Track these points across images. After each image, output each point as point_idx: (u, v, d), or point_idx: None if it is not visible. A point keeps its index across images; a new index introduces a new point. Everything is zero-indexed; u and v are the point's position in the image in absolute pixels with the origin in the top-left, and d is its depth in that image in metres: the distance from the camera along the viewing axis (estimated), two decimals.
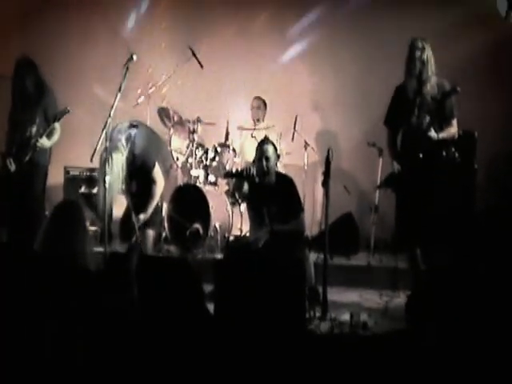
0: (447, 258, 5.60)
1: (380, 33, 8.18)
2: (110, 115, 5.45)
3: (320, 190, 7.39)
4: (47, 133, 6.29)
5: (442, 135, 5.57)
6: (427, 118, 5.54)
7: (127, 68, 5.67)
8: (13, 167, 6.35)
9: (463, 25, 7.71)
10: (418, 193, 5.63)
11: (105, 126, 5.42)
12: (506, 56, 7.56)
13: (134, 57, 5.70)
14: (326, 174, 5.58)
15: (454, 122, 5.66)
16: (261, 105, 8.15)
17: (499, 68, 7.67)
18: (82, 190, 7.85)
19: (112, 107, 5.47)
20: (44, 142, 6.32)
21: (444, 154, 5.75)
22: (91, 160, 5.43)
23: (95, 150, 5.38)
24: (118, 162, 6.01)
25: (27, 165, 6.35)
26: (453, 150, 5.88)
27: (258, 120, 8.15)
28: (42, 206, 6.63)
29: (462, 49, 7.58)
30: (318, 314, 5.37)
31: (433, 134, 5.51)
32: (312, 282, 5.63)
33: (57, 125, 6.38)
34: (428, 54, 5.61)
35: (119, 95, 5.53)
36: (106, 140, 5.43)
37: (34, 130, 6.29)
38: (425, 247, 5.77)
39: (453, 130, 5.67)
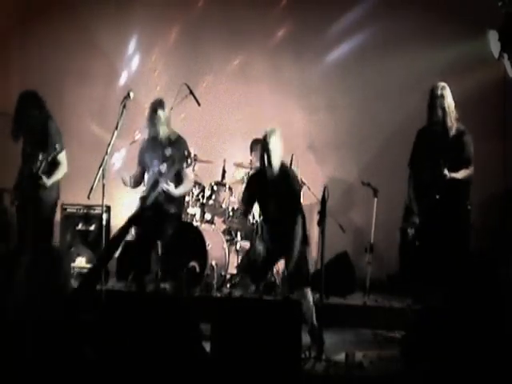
0: (445, 299, 5.61)
1: (375, 74, 8.30)
2: (106, 152, 5.49)
3: (316, 229, 7.40)
4: (47, 168, 6.18)
5: (456, 175, 5.74)
6: (444, 162, 5.68)
7: (124, 105, 5.72)
8: (19, 202, 6.24)
9: (463, 65, 7.82)
10: (431, 234, 5.75)
11: (102, 163, 5.45)
12: (498, 96, 7.64)
13: (131, 94, 5.76)
14: (322, 212, 5.59)
15: (471, 167, 5.86)
16: None
17: (492, 108, 7.75)
18: (79, 227, 7.85)
19: (109, 144, 5.51)
20: (45, 179, 6.20)
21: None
22: (88, 197, 5.45)
23: (92, 187, 5.41)
24: None
25: (35, 200, 6.22)
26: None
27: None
28: (50, 241, 6.51)
29: (459, 88, 7.68)
30: (313, 354, 5.35)
31: (446, 171, 5.68)
32: (313, 319, 5.64)
33: (63, 159, 6.31)
34: (448, 100, 5.79)
35: (116, 133, 5.57)
36: (103, 177, 5.46)
37: (39, 164, 6.16)
38: (425, 287, 5.83)
39: (467, 173, 5.81)
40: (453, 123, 5.85)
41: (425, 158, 5.92)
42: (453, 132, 5.85)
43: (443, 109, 5.82)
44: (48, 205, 6.40)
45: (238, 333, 4.74)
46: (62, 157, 6.33)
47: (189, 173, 6.38)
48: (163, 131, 6.20)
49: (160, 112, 6.18)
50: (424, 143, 5.98)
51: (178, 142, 6.28)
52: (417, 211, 5.95)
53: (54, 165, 6.26)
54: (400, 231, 6.39)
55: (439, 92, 5.85)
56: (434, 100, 5.85)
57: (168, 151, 6.18)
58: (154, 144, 6.29)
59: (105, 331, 4.84)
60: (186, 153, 6.16)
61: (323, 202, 5.61)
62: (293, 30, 8.70)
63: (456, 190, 5.92)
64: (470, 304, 5.51)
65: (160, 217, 6.19)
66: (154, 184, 6.18)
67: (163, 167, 6.11)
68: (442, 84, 5.91)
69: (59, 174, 6.36)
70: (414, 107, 6.83)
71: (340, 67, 8.61)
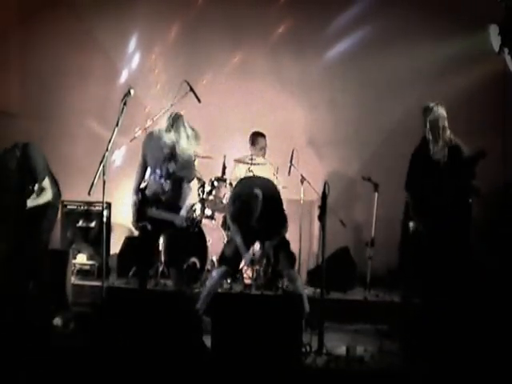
0: (446, 294, 5.64)
1: (375, 71, 8.31)
2: (107, 149, 5.50)
3: (317, 224, 7.42)
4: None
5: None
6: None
7: (125, 103, 5.73)
8: None
9: (463, 61, 7.82)
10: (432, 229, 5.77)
11: (102, 160, 5.46)
12: (498, 91, 7.65)
13: (132, 91, 5.77)
14: (323, 207, 5.62)
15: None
16: (264, 144, 7.96)
17: (492, 102, 7.76)
18: (80, 223, 7.86)
19: (109, 141, 5.53)
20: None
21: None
22: (89, 194, 5.46)
23: (93, 183, 5.42)
24: None
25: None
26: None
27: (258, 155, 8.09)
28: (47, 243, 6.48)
29: (459, 84, 7.69)
30: (314, 349, 5.36)
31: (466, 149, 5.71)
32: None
33: (47, 185, 6.23)
34: (440, 121, 5.78)
35: (116, 129, 5.59)
36: (104, 174, 5.47)
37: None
38: (426, 282, 5.87)
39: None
40: (446, 143, 5.86)
41: (422, 179, 5.94)
42: (447, 150, 5.85)
43: (436, 131, 5.84)
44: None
45: (238, 328, 4.76)
46: (46, 183, 6.19)
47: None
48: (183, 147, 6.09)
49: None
50: (419, 165, 5.98)
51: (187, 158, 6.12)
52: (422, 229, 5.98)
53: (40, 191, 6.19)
54: (401, 226, 6.42)
55: (433, 109, 5.87)
56: (428, 123, 5.88)
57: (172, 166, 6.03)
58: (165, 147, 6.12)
59: (106, 328, 4.87)
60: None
61: (324, 197, 5.64)
62: (292, 27, 8.69)
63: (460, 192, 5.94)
64: (471, 299, 5.53)
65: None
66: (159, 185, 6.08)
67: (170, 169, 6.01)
68: (433, 105, 5.92)
69: (41, 200, 6.20)
70: (414, 103, 6.84)
71: (340, 64, 8.61)
